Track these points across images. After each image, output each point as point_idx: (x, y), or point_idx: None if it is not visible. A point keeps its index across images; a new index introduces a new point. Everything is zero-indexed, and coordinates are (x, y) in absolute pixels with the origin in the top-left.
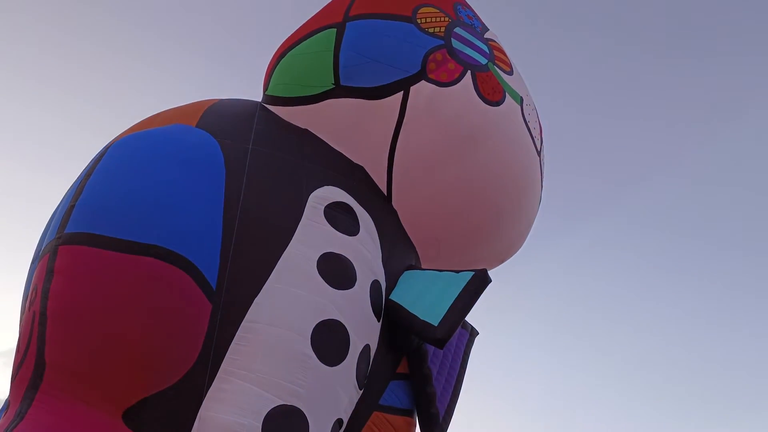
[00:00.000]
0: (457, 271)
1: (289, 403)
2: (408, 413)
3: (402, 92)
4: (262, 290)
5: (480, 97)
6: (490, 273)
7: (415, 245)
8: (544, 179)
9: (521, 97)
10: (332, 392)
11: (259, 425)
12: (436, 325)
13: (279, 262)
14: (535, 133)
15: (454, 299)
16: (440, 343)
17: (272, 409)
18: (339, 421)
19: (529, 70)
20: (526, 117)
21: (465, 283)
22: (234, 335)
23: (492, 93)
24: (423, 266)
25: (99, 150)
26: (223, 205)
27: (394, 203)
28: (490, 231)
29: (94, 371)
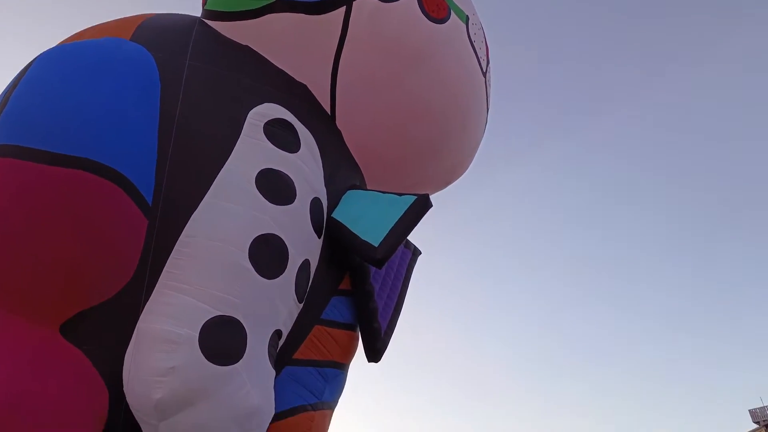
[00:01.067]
0: (400, 194)
1: (226, 314)
2: (350, 327)
3: (344, 7)
4: (199, 206)
5: (424, 14)
6: (438, 195)
7: (359, 165)
8: (490, 101)
9: (467, 15)
10: (270, 304)
11: (196, 335)
12: (376, 245)
13: (217, 177)
14: (481, 53)
15: (395, 222)
16: (379, 264)
17: (209, 319)
18: (278, 332)
19: None
20: (471, 36)
21: (407, 207)
22: (171, 250)
23: (436, 10)
24: (368, 187)
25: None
26: (158, 119)
27: (338, 122)
28: (435, 151)
29: (27, 285)
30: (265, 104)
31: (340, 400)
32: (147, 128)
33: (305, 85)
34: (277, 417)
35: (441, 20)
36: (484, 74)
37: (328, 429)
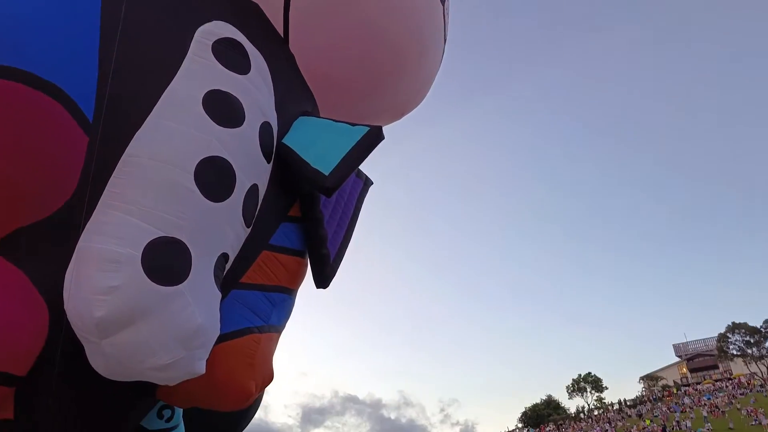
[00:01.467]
0: (353, 124)
1: (170, 235)
2: (299, 254)
3: None
4: (143, 125)
5: None
6: (392, 126)
7: (312, 92)
8: (448, 30)
9: None
10: (216, 227)
11: (139, 254)
12: (327, 174)
13: (162, 96)
14: None
15: (347, 151)
16: (329, 192)
17: (153, 239)
18: (224, 255)
19: None
20: None
21: (359, 137)
22: (113, 168)
23: None
24: (321, 115)
25: None
26: (99, 32)
27: (291, 46)
28: (390, 78)
29: None
30: (214, 22)
31: (287, 325)
32: (87, 40)
33: (257, 4)
34: (223, 338)
35: None
36: (443, 2)
37: (274, 352)
